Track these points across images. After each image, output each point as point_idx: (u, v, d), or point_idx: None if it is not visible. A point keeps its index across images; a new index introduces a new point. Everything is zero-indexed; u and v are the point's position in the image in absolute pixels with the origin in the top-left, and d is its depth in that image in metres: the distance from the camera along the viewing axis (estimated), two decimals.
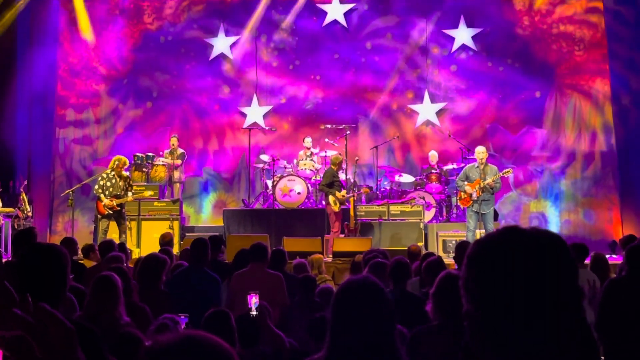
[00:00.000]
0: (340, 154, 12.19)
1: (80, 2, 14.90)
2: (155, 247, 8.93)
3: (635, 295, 4.38)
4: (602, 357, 4.48)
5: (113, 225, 10.76)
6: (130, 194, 10.81)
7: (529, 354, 1.16)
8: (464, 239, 10.06)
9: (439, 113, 14.45)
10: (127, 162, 11.11)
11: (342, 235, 11.08)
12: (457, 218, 12.46)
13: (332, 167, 11.30)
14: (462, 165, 11.88)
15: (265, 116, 14.82)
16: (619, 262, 6.12)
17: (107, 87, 15.01)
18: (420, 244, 10.47)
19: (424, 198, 12.40)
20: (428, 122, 14.50)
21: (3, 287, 1.30)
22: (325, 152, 12.92)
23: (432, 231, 11.71)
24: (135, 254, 10.51)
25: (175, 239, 10.88)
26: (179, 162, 13.07)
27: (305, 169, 12.62)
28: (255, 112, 14.81)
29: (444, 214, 12.73)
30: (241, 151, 14.62)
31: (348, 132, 12.99)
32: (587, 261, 7.01)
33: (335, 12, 14.77)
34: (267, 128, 14.43)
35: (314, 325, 4.15)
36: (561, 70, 14.11)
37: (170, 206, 12.26)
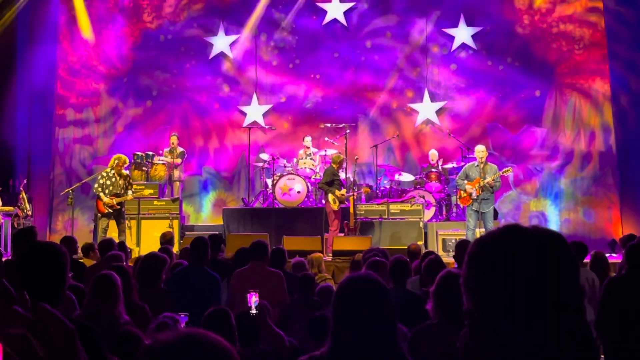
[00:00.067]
0: (340, 153, 12.19)
1: (80, 1, 14.88)
2: (155, 246, 8.93)
3: (635, 294, 4.38)
4: (602, 356, 4.48)
5: (113, 224, 10.76)
6: (130, 192, 10.81)
7: (529, 353, 1.16)
8: (464, 237, 10.05)
9: (438, 112, 14.45)
10: (127, 160, 11.10)
11: (342, 234, 11.08)
12: (456, 217, 12.46)
13: (333, 165, 11.29)
14: (462, 164, 11.88)
15: (265, 115, 14.81)
16: (619, 261, 6.13)
17: (107, 86, 15.00)
18: (420, 242, 10.47)
19: (423, 197, 12.41)
20: (428, 121, 14.50)
21: (1, 285, 1.30)
22: (325, 151, 12.92)
23: (432, 230, 11.71)
24: (135, 253, 10.51)
25: (175, 238, 10.87)
26: (178, 160, 13.07)
27: (305, 167, 12.62)
28: (255, 111, 14.81)
29: (444, 212, 12.73)
30: (241, 150, 14.61)
31: (348, 131, 12.99)
32: (586, 260, 7.02)
33: (335, 11, 14.76)
34: (266, 127, 14.43)
35: (314, 324, 4.15)
36: (561, 70, 14.11)
37: (170, 205, 12.26)
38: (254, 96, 14.84)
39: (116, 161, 10.77)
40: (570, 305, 1.17)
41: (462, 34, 14.40)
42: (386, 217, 12.09)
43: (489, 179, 10.08)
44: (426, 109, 14.45)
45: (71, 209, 11.95)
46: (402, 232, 11.83)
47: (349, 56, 14.75)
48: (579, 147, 13.89)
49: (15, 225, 11.78)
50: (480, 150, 10.33)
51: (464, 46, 14.46)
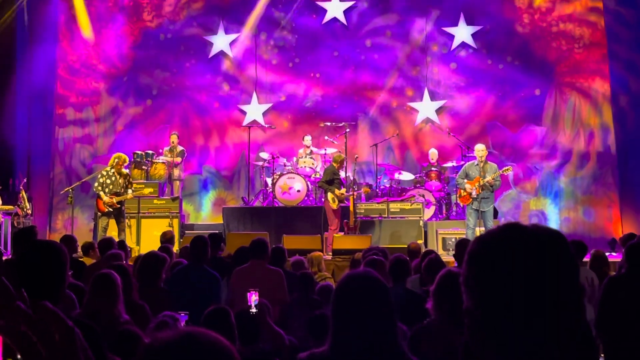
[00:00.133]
0: (341, 152, 12.20)
1: (80, 0, 14.87)
2: (155, 245, 8.93)
3: (634, 293, 4.38)
4: (602, 355, 4.49)
5: (113, 222, 10.76)
6: (130, 191, 10.81)
7: (529, 351, 1.16)
8: (464, 236, 10.06)
9: (438, 111, 14.45)
10: (127, 159, 11.10)
11: (342, 233, 11.08)
12: (456, 216, 12.46)
13: (334, 164, 11.29)
14: (462, 163, 11.88)
15: (264, 114, 14.81)
16: (619, 260, 6.12)
17: (107, 85, 14.99)
18: (420, 241, 10.47)
19: (423, 196, 12.41)
20: (427, 120, 14.50)
21: (1, 283, 1.30)
22: (325, 149, 12.92)
23: (432, 229, 11.72)
24: (135, 252, 10.51)
25: (175, 237, 10.87)
26: (178, 159, 13.07)
27: (305, 166, 12.62)
28: (254, 110, 14.80)
29: (444, 211, 12.73)
30: (241, 149, 14.61)
31: (347, 130, 12.98)
32: (586, 259, 7.02)
33: (335, 9, 14.76)
34: (266, 126, 14.43)
35: (314, 322, 4.15)
36: (560, 69, 14.11)
37: (170, 204, 12.26)
38: (254, 95, 14.84)
39: (116, 160, 10.77)
40: (570, 304, 1.17)
41: (462, 32, 14.40)
42: (386, 216, 12.10)
43: (488, 178, 10.09)
44: (426, 108, 14.45)
45: (71, 208, 11.96)
46: (402, 231, 11.84)
47: (349, 55, 14.74)
48: (579, 147, 13.90)
49: (15, 224, 11.79)
50: (480, 149, 10.33)
51: (463, 45, 14.45)
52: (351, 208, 11.24)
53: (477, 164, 10.29)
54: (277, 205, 12.43)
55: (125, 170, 10.94)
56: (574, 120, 13.98)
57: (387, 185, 12.99)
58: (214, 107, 14.94)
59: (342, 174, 11.97)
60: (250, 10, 14.90)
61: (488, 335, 1.18)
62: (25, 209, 12.20)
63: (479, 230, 9.93)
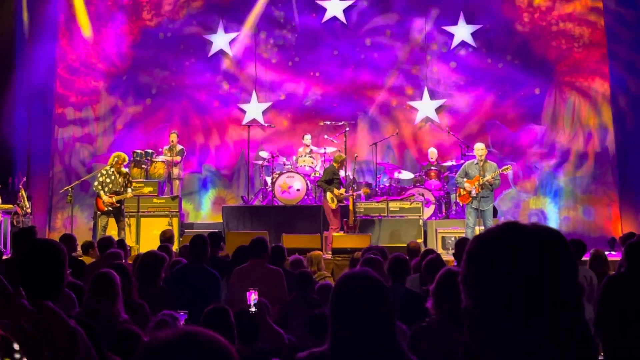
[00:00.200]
0: (340, 151, 12.20)
1: None
2: (154, 244, 8.93)
3: (634, 291, 4.38)
4: (602, 354, 4.49)
5: (112, 221, 10.76)
6: (129, 190, 10.81)
7: (528, 350, 1.16)
8: (463, 235, 10.06)
9: (438, 110, 14.45)
10: (127, 158, 11.10)
11: (342, 232, 11.08)
12: (456, 215, 12.46)
13: (334, 164, 11.29)
14: (462, 161, 11.88)
15: (264, 113, 14.81)
16: (618, 259, 6.12)
17: (107, 84, 14.98)
18: (420, 240, 10.47)
19: (423, 195, 12.41)
20: (427, 119, 14.50)
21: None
22: (325, 148, 12.92)
23: (432, 228, 11.72)
24: (135, 251, 10.51)
25: (175, 236, 10.86)
26: (178, 158, 13.07)
27: (305, 165, 12.62)
28: (254, 109, 14.80)
29: (443, 210, 12.73)
30: (240, 148, 14.61)
31: (347, 129, 12.97)
32: (585, 258, 7.02)
33: (334, 8, 14.75)
34: (266, 125, 14.42)
35: (313, 322, 4.15)
36: (560, 68, 14.11)
37: (170, 203, 12.26)
38: (254, 94, 14.84)
39: (115, 159, 10.77)
40: (569, 303, 1.17)
41: (462, 31, 14.40)
42: (385, 215, 12.09)
43: (488, 177, 10.09)
44: (426, 107, 14.45)
45: (70, 207, 11.96)
46: (401, 230, 11.84)
47: (349, 54, 14.74)
48: (578, 146, 13.90)
49: (15, 223, 11.78)
50: (479, 148, 10.33)
51: (463, 44, 14.45)
52: (351, 207, 11.23)
53: (477, 163, 10.29)
54: (276, 204, 12.43)
55: (124, 169, 10.94)
56: (573, 119, 13.98)
57: (387, 184, 12.99)
58: (214, 106, 14.94)
59: (342, 173, 11.97)
60: (249, 9, 14.90)
61: (487, 334, 1.18)
62: (24, 208, 12.20)
63: (479, 229, 9.93)
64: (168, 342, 1.07)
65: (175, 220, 11.99)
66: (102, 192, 10.58)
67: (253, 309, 4.22)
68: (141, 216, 12.11)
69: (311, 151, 13.05)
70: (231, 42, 14.96)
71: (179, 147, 13.21)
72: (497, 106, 14.28)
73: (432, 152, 13.18)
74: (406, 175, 13.12)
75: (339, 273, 9.38)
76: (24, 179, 12.91)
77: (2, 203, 11.88)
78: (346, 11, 14.77)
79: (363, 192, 11.68)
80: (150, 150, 13.12)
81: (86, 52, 14.98)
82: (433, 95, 14.45)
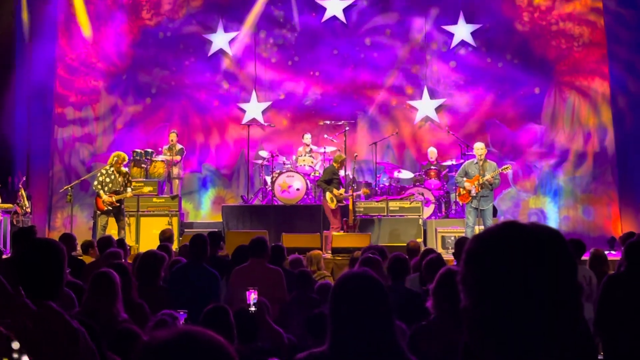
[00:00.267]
0: (340, 151, 12.19)
1: None
2: (154, 243, 8.93)
3: (634, 291, 4.38)
4: (601, 353, 4.49)
5: (112, 221, 10.76)
6: (129, 189, 10.81)
7: (528, 350, 1.15)
8: (463, 235, 10.06)
9: (438, 109, 14.44)
10: (126, 158, 11.10)
11: (342, 232, 11.08)
12: (456, 214, 12.46)
13: (334, 164, 11.29)
14: (461, 161, 11.88)
15: (264, 112, 14.80)
16: (618, 258, 6.12)
17: (106, 83, 14.98)
18: (419, 240, 10.47)
19: (422, 194, 12.41)
20: (427, 118, 14.49)
21: None
22: (324, 148, 12.91)
23: (431, 227, 11.71)
24: (134, 250, 10.51)
25: (174, 235, 10.86)
26: (177, 158, 13.07)
27: (304, 165, 12.62)
28: (254, 108, 14.80)
29: (443, 210, 12.73)
30: (240, 147, 14.61)
31: (347, 129, 12.96)
32: (585, 257, 7.01)
33: (334, 8, 14.75)
34: (265, 124, 14.41)
35: (313, 321, 4.15)
36: (560, 67, 14.11)
37: (169, 202, 12.26)
38: (253, 93, 14.83)
39: (115, 158, 10.77)
40: (568, 302, 1.17)
41: (462, 31, 14.39)
42: (385, 214, 12.09)
43: (488, 177, 10.09)
44: (425, 106, 14.44)
45: (70, 206, 11.96)
46: (401, 230, 11.84)
47: (349, 53, 14.74)
48: (577, 146, 13.90)
49: (15, 223, 11.78)
50: (479, 148, 10.32)
51: (463, 43, 14.45)
52: (350, 207, 11.23)
53: (477, 163, 10.28)
54: (276, 204, 12.43)
55: (124, 169, 10.93)
56: (572, 119, 13.98)
57: (387, 184, 12.99)
58: (214, 105, 14.94)
59: (342, 173, 11.96)
60: (249, 8, 14.90)
61: (487, 334, 1.18)
62: (24, 207, 12.19)
63: (478, 229, 9.92)
64: (166, 342, 1.07)
65: (175, 220, 11.99)
66: (101, 192, 10.57)
67: (253, 309, 4.22)
68: (141, 215, 12.11)
69: (311, 150, 13.05)
70: (231, 42, 14.96)
71: (179, 146, 13.21)
72: (496, 105, 14.27)
73: (432, 152, 13.18)
74: (406, 174, 13.12)
75: (338, 272, 9.38)
76: (24, 179, 12.91)
77: (2, 202, 11.87)
78: (346, 10, 14.76)
79: (363, 192, 11.66)
80: (150, 150, 13.12)
81: (86, 52, 14.98)
82: (433, 95, 14.45)
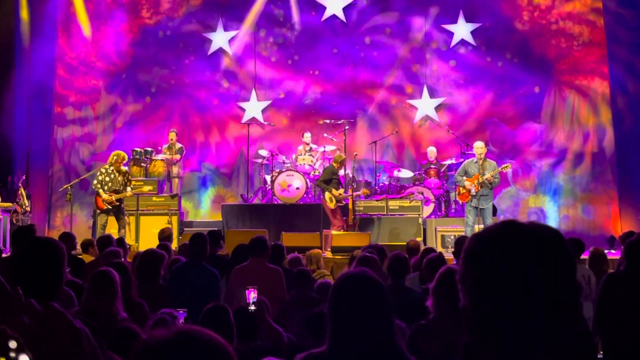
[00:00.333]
0: (340, 151, 12.19)
1: None
2: (153, 242, 8.93)
3: (633, 290, 4.38)
4: (601, 352, 4.49)
5: (112, 220, 10.76)
6: (129, 189, 10.81)
7: (528, 349, 1.15)
8: (463, 234, 10.06)
9: (437, 108, 14.44)
10: (126, 157, 11.10)
11: (341, 230, 11.08)
12: (455, 213, 12.46)
13: (334, 164, 11.29)
14: (461, 160, 11.88)
15: (263, 111, 14.80)
16: (618, 257, 6.12)
17: (106, 82, 14.98)
18: (419, 239, 10.47)
19: (422, 193, 12.41)
20: (427, 117, 14.49)
21: None
22: (324, 147, 12.91)
23: (431, 226, 11.71)
24: (134, 249, 10.50)
25: (174, 234, 10.87)
26: (177, 157, 13.06)
27: (304, 164, 12.62)
28: (253, 107, 14.80)
29: (443, 209, 12.73)
30: (240, 146, 14.61)
31: (347, 127, 12.96)
32: (584, 256, 7.01)
33: (334, 7, 14.74)
34: (265, 123, 14.42)
35: (312, 320, 4.15)
36: (560, 66, 14.10)
37: (169, 201, 12.26)
38: (253, 92, 14.83)
39: (115, 157, 10.77)
40: (568, 301, 1.16)
41: (461, 30, 14.39)
42: (385, 213, 12.09)
43: (487, 175, 10.09)
44: (425, 105, 14.44)
45: (70, 205, 11.96)
46: (400, 229, 11.84)
47: (348, 52, 14.73)
48: (577, 145, 13.89)
49: (14, 222, 11.79)
50: (479, 147, 10.33)
51: (463, 42, 14.44)
52: (350, 206, 11.24)
53: (476, 162, 10.29)
54: (276, 203, 12.43)
55: (124, 168, 10.93)
56: (572, 119, 13.98)
57: (386, 183, 12.99)
58: (213, 104, 14.94)
59: (342, 172, 11.96)
60: (249, 7, 14.90)
61: (486, 333, 1.17)
62: (24, 206, 12.20)
63: (478, 228, 9.92)
64: (164, 342, 1.07)
65: (174, 219, 11.99)
66: (101, 191, 10.57)
67: (252, 308, 4.21)
68: (140, 214, 12.11)
69: (311, 149, 13.05)
70: (231, 40, 14.96)
71: (178, 145, 13.21)
72: (496, 104, 14.27)
73: (431, 151, 13.19)
74: (405, 173, 13.13)
75: (338, 271, 9.38)
76: (24, 177, 12.91)
77: (2, 201, 11.87)
78: (346, 9, 14.76)
79: (363, 192, 11.64)
80: (149, 149, 13.12)
81: (85, 51, 14.98)
82: (432, 94, 14.44)
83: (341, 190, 11.21)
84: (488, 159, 10.44)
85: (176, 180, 13.16)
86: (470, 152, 11.71)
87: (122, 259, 5.78)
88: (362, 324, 2.20)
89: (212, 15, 15.01)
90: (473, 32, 14.35)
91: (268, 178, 12.87)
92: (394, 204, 12.13)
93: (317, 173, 12.39)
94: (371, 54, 14.71)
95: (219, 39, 14.93)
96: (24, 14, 14.36)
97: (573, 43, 14.08)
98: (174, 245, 9.45)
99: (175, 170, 13.11)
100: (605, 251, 7.13)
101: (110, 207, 10.60)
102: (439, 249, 10.75)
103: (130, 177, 11.15)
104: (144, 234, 11.89)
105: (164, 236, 8.46)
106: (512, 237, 1.18)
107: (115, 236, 8.59)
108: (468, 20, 14.37)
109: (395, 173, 13.02)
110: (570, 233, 11.85)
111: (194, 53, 15.00)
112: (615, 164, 13.60)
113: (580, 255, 6.84)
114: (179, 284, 5.57)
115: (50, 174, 14.72)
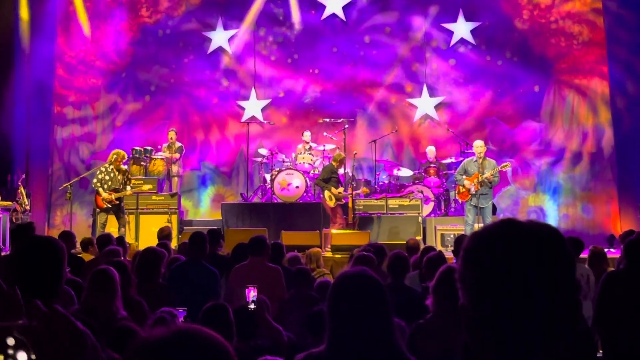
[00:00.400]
0: (340, 150, 12.19)
1: None
2: (153, 241, 8.93)
3: (633, 288, 4.38)
4: (600, 351, 4.49)
5: (112, 218, 10.76)
6: (128, 187, 10.81)
7: (527, 349, 1.15)
8: (463, 232, 10.07)
9: (437, 107, 14.43)
10: (126, 155, 11.11)
11: (341, 229, 11.07)
12: (455, 212, 12.46)
13: (333, 163, 11.29)
14: (461, 159, 11.88)
15: (263, 110, 14.80)
16: (618, 256, 6.12)
17: (106, 81, 14.98)
18: (419, 237, 10.47)
19: (422, 192, 12.41)
20: (426, 116, 14.49)
21: None
22: (324, 146, 12.91)
23: (431, 225, 11.71)
24: (134, 248, 10.50)
25: (174, 233, 10.87)
26: (177, 156, 13.06)
27: (304, 162, 12.62)
28: (253, 106, 14.79)
29: (442, 208, 12.73)
30: (240, 145, 14.61)
31: (346, 126, 12.95)
32: (584, 255, 7.01)
33: (334, 5, 14.73)
34: (265, 122, 14.41)
35: (312, 319, 4.15)
36: (559, 65, 14.09)
37: (169, 200, 12.26)
38: (253, 91, 14.82)
39: (115, 156, 10.77)
40: (567, 300, 1.16)
41: (461, 28, 14.37)
42: (385, 212, 12.09)
43: (487, 174, 10.09)
44: (425, 104, 14.43)
45: (70, 204, 11.96)
46: (400, 227, 11.84)
47: (348, 51, 14.72)
48: (576, 144, 13.88)
49: (14, 220, 11.79)
50: (478, 146, 10.33)
51: (462, 41, 14.43)
52: (350, 205, 11.24)
53: (476, 160, 10.29)
54: (275, 202, 12.43)
55: (124, 167, 10.93)
56: (571, 118, 13.97)
57: (386, 182, 12.99)
58: (213, 102, 14.93)
59: (341, 171, 11.96)
60: (249, 5, 14.89)
61: (485, 333, 1.17)
62: (23, 205, 12.20)
63: (478, 227, 9.90)
64: (163, 340, 1.06)
65: (174, 218, 11.99)
66: (101, 189, 10.58)
67: (252, 306, 4.21)
68: (140, 213, 12.11)
69: (310, 148, 13.05)
70: (230, 39, 14.95)
71: (178, 144, 13.21)
72: (496, 103, 14.26)
73: (430, 150, 13.20)
74: (405, 172, 13.12)
75: (338, 270, 9.38)
76: (23, 176, 12.91)
77: (1, 200, 11.88)
78: (345, 8, 14.75)
79: (362, 191, 11.64)
80: (149, 148, 13.12)
81: (85, 50, 14.97)
82: (432, 93, 14.43)
83: (341, 189, 11.21)
84: (487, 158, 10.44)
85: (176, 179, 13.16)
86: (469, 150, 11.70)
87: (122, 258, 5.78)
88: (361, 323, 2.20)
89: (211, 14, 15.00)
90: (473, 31, 14.35)
91: (268, 177, 12.87)
92: (393, 202, 12.13)
93: (316, 172, 12.39)
94: (371, 53, 14.70)
95: (219, 37, 14.92)
96: (24, 13, 14.36)
97: (573, 42, 14.07)
98: (174, 244, 9.45)
99: (174, 169, 13.11)
100: (605, 250, 7.13)
101: (110, 206, 10.60)
102: (439, 247, 10.74)
103: (130, 175, 11.15)
104: (144, 233, 11.89)
105: (163, 235, 8.46)
106: (511, 235, 1.18)
107: (115, 235, 8.60)
108: (468, 19, 14.36)
109: (395, 172, 13.01)
110: (570, 232, 11.85)
111: (193, 52, 15.00)
112: (615, 163, 13.59)
113: (579, 255, 6.84)
114: (179, 283, 5.57)
115: (50, 173, 14.72)
